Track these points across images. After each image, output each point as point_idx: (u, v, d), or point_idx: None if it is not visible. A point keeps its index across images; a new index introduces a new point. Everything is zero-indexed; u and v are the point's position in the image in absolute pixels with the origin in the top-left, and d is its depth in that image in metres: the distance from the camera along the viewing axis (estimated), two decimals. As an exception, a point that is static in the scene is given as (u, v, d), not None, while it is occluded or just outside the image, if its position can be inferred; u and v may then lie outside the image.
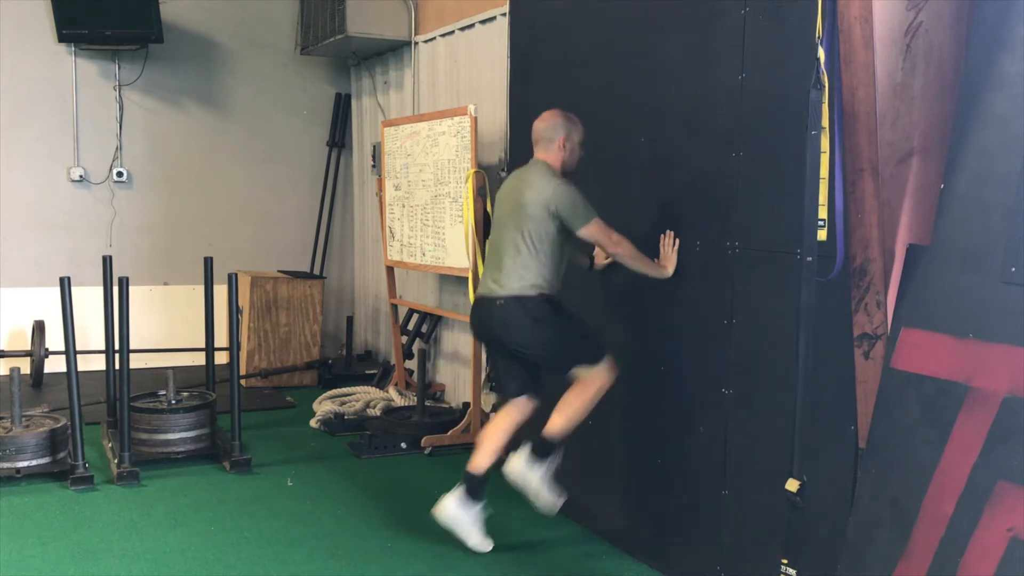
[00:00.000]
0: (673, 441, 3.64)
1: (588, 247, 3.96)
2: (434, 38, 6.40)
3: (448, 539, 3.96)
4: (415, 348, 6.21)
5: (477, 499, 3.82)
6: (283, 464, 4.97)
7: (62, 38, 6.95)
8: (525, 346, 3.75)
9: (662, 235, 3.65)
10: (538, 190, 3.68)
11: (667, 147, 3.66)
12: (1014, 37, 2.34)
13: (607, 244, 3.64)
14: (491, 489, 3.88)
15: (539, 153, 3.83)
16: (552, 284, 3.75)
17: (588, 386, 3.75)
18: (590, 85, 4.15)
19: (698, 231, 3.48)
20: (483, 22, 5.75)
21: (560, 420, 3.74)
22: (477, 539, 3.82)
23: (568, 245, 3.79)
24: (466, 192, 5.11)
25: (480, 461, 3.82)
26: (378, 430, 5.40)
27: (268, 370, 6.77)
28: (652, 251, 3.74)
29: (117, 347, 4.71)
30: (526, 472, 3.80)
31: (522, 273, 3.70)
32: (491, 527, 3.90)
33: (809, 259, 2.69)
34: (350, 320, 7.55)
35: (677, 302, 3.61)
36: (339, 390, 6.29)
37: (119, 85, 7.31)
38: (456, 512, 3.81)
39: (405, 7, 6.62)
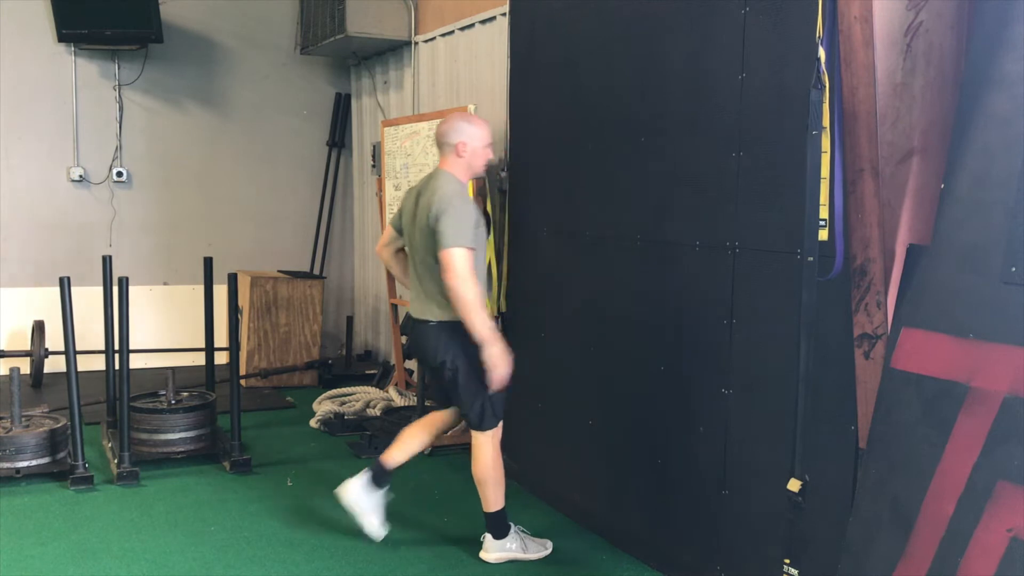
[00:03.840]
0: (673, 441, 3.64)
1: None
2: (434, 38, 6.40)
3: (449, 539, 3.97)
4: (415, 348, 6.20)
5: (380, 487, 3.86)
6: (283, 464, 4.97)
7: (62, 38, 6.94)
8: (449, 369, 3.63)
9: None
10: (434, 206, 3.53)
11: (667, 147, 3.66)
12: (1014, 37, 2.34)
13: (451, 276, 3.44)
14: (475, 491, 3.87)
15: (440, 162, 3.70)
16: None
17: (485, 458, 3.70)
18: (590, 85, 4.15)
19: (698, 231, 3.48)
20: (483, 22, 5.75)
21: (483, 493, 3.73)
22: (375, 525, 3.85)
23: (477, 257, 3.59)
24: (466, 192, 5.10)
25: (395, 456, 3.87)
26: (378, 430, 5.40)
27: (268, 370, 6.77)
28: (653, 251, 3.75)
29: (117, 347, 4.71)
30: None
31: (444, 301, 3.57)
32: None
33: (810, 259, 2.69)
34: (350, 320, 7.55)
35: (677, 302, 3.61)
36: (339, 390, 6.29)
37: (119, 85, 7.31)
38: (358, 496, 3.83)
39: (405, 7, 6.62)
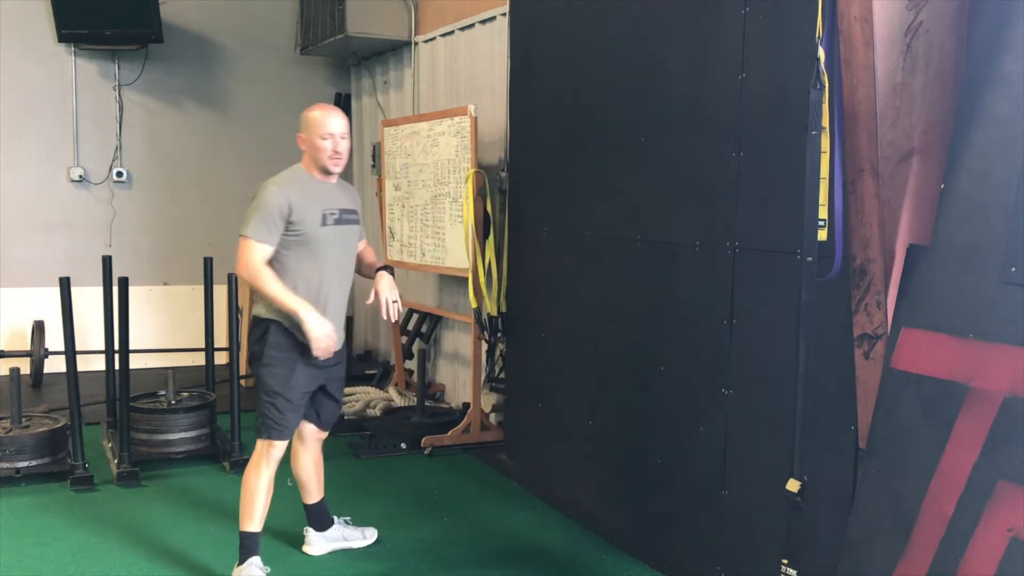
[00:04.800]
0: (673, 441, 3.64)
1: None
2: (434, 38, 6.40)
3: (449, 540, 3.97)
4: (415, 348, 6.21)
5: (328, 525, 3.84)
6: (283, 464, 4.95)
7: (62, 38, 6.95)
8: (253, 368, 3.52)
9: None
10: None
11: (667, 147, 3.66)
12: (1014, 37, 2.34)
13: (237, 265, 3.39)
14: (481, 491, 3.87)
15: None
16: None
17: (249, 468, 3.50)
18: (590, 85, 4.15)
19: (698, 231, 3.48)
20: (483, 22, 5.75)
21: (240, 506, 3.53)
22: (363, 540, 3.87)
23: (307, 254, 3.41)
24: (466, 192, 5.11)
25: (308, 497, 3.83)
26: (378, 430, 5.40)
27: (268, 370, 6.75)
28: (653, 251, 3.75)
29: (117, 347, 4.71)
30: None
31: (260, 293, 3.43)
32: (494, 528, 3.90)
33: (809, 259, 2.68)
34: (350, 320, 7.54)
35: (677, 302, 3.61)
36: (339, 390, 6.28)
37: (119, 85, 7.31)
38: (323, 546, 3.81)
39: (405, 7, 6.62)
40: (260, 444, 3.48)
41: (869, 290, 2.65)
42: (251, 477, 3.49)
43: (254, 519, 3.50)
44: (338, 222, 3.50)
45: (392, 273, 3.66)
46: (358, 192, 4.12)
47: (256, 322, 3.50)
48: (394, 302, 3.55)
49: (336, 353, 3.55)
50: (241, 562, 3.50)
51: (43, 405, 5.61)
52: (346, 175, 8.04)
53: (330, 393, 3.65)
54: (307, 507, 3.80)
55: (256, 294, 3.48)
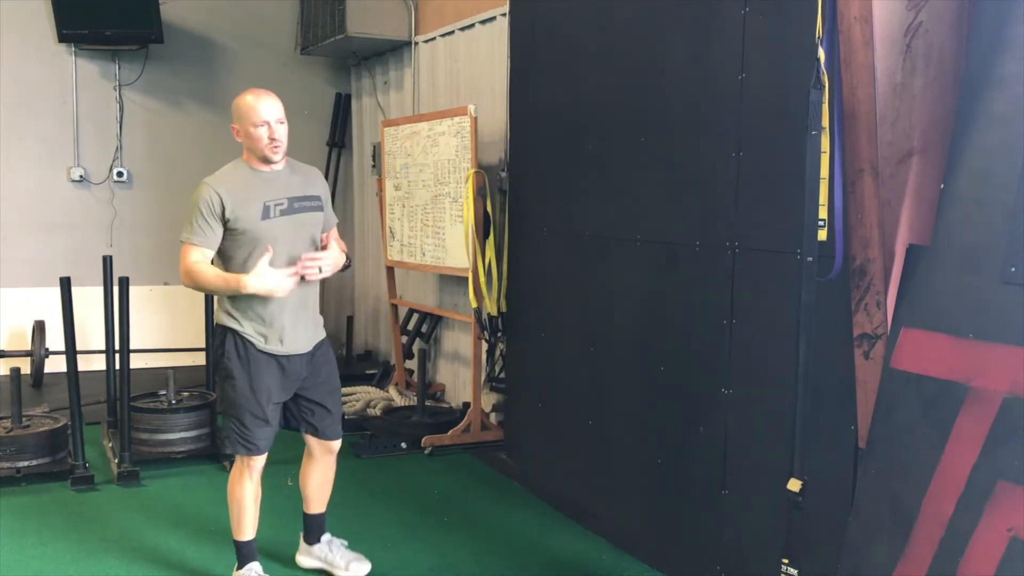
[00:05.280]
0: (673, 441, 3.64)
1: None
2: (434, 38, 6.41)
3: (449, 539, 3.97)
4: (415, 348, 6.21)
5: (315, 540, 3.68)
6: (283, 464, 4.96)
7: (62, 38, 6.95)
8: (218, 379, 3.37)
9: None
10: None
11: (667, 147, 3.66)
12: (1014, 37, 2.34)
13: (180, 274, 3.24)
14: (481, 490, 3.87)
15: None
16: (241, 312, 3.25)
17: (233, 481, 3.40)
18: (590, 85, 4.15)
19: (698, 231, 3.48)
20: (483, 22, 5.75)
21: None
22: (342, 573, 3.58)
23: (255, 252, 3.21)
24: (466, 192, 5.11)
25: (304, 507, 3.71)
26: (378, 430, 5.40)
27: (268, 370, 6.75)
28: (653, 251, 3.75)
29: (117, 347, 4.71)
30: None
31: (217, 299, 3.32)
32: (494, 528, 3.90)
33: (809, 259, 2.68)
34: (350, 320, 7.54)
35: (677, 302, 3.61)
36: (339, 390, 6.28)
37: (119, 85, 7.31)
38: (306, 559, 3.68)
39: (405, 7, 6.62)
40: (238, 458, 3.39)
41: (869, 290, 2.65)
42: (235, 490, 3.40)
43: (245, 529, 3.45)
44: (287, 212, 3.26)
45: (347, 265, 3.50)
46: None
47: (215, 330, 3.37)
48: (320, 267, 3.26)
49: (308, 355, 3.43)
50: (240, 567, 3.49)
51: (43, 405, 5.61)
52: (346, 175, 8.06)
53: (318, 402, 3.48)
54: (304, 515, 3.75)
55: (218, 300, 3.37)
